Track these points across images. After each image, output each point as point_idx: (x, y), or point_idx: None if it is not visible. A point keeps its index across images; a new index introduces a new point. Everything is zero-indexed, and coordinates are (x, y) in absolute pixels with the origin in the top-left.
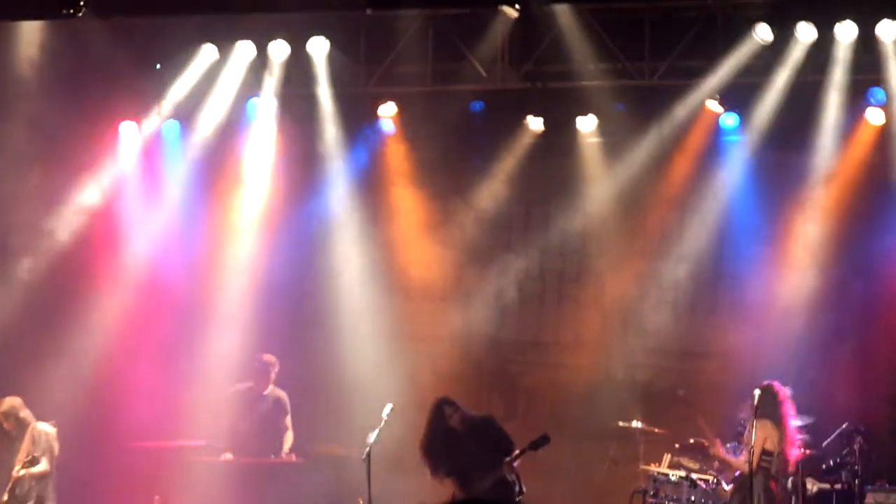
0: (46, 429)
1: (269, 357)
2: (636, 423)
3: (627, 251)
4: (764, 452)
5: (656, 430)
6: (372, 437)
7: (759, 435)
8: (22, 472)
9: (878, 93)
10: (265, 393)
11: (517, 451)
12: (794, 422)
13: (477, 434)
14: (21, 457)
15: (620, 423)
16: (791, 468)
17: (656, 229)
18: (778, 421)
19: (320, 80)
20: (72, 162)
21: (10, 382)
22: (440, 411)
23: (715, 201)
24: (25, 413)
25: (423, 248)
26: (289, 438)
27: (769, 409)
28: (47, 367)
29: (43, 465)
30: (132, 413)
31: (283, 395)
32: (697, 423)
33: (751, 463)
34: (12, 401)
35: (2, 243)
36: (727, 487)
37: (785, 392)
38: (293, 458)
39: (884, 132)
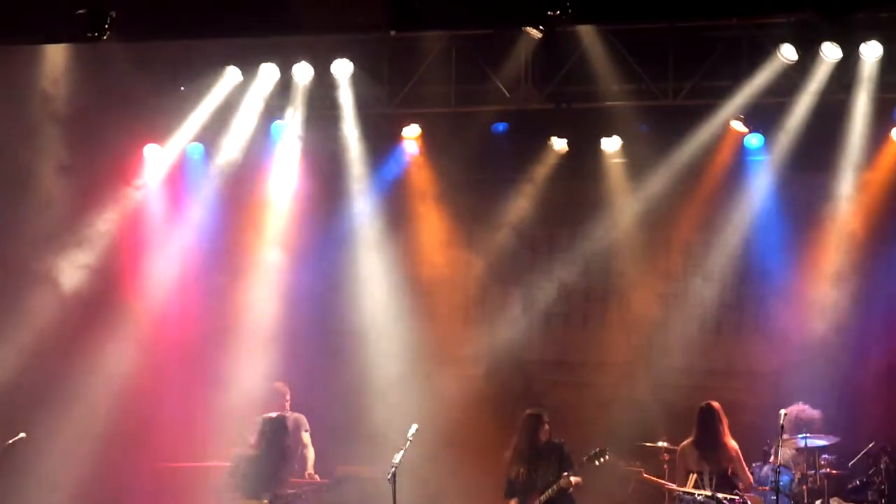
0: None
1: (280, 385)
2: (661, 443)
3: (652, 271)
4: None
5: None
6: (397, 458)
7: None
8: None
9: None
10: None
11: (576, 465)
12: None
13: (549, 455)
14: None
15: (647, 443)
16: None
17: (681, 249)
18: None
19: (344, 101)
20: (96, 189)
21: (46, 396)
22: (537, 420)
23: (740, 222)
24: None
25: (448, 268)
26: (310, 455)
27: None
28: (78, 385)
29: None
30: (161, 434)
31: (300, 416)
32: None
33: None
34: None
35: (27, 272)
36: None
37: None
38: (317, 478)
39: None
